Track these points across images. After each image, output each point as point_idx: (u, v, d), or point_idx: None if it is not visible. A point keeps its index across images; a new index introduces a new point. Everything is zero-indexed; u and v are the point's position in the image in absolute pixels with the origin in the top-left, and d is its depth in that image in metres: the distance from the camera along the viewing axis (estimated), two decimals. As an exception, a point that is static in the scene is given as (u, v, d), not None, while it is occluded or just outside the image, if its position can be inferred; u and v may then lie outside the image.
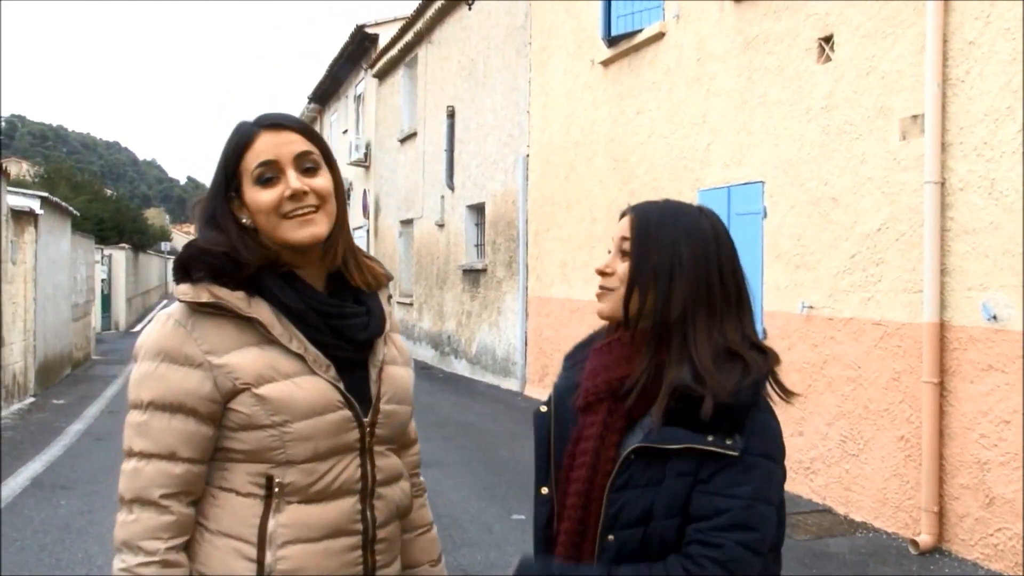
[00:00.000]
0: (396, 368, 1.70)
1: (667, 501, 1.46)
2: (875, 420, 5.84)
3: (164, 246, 50.49)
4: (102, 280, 23.58)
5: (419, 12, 16.15)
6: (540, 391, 11.38)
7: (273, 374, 1.50)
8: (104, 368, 16.44)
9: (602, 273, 1.61)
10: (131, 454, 1.51)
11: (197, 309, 1.50)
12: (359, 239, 21.90)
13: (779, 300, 6.72)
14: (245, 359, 1.49)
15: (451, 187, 14.94)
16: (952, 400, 5.28)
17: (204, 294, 1.49)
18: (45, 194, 14.09)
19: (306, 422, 1.50)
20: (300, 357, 1.53)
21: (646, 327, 1.55)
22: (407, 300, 17.79)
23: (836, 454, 6.19)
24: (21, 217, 12.38)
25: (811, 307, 6.40)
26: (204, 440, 1.50)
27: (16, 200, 12.37)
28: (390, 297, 1.80)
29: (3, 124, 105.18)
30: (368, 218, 20.84)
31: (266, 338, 1.52)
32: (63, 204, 15.31)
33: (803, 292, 6.48)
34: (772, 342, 6.64)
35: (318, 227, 1.56)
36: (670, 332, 1.53)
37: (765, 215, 6.90)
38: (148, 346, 1.52)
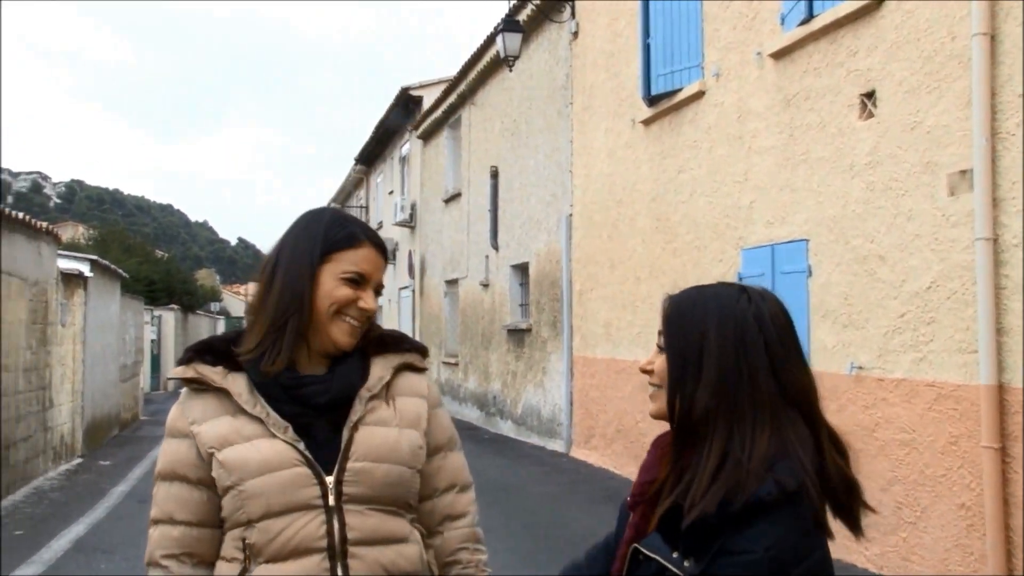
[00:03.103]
0: (380, 428, 1.70)
1: None
2: (932, 486, 5.59)
3: (214, 306, 51.09)
4: (151, 341, 23.90)
5: (462, 74, 16.39)
6: (586, 452, 11.19)
7: (236, 438, 1.64)
8: (151, 429, 16.55)
9: (645, 371, 1.51)
10: (150, 523, 1.71)
11: (193, 388, 1.71)
12: (405, 299, 22.01)
13: (827, 360, 6.52)
14: (214, 427, 1.65)
15: (495, 247, 14.96)
16: (1015, 467, 5.03)
17: (189, 371, 1.70)
18: (95, 257, 14.39)
19: (257, 479, 1.60)
20: (260, 421, 1.65)
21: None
22: (453, 360, 17.74)
23: (892, 521, 5.93)
24: (71, 280, 12.64)
25: (860, 368, 6.20)
26: (199, 504, 1.66)
27: (66, 263, 12.65)
28: (407, 365, 1.80)
29: (63, 189, 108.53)
30: (414, 278, 20.94)
31: (239, 407, 1.66)
32: (112, 267, 15.61)
33: (852, 352, 6.29)
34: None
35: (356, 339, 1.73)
36: (695, 435, 1.40)
37: (810, 273, 6.74)
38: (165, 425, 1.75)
